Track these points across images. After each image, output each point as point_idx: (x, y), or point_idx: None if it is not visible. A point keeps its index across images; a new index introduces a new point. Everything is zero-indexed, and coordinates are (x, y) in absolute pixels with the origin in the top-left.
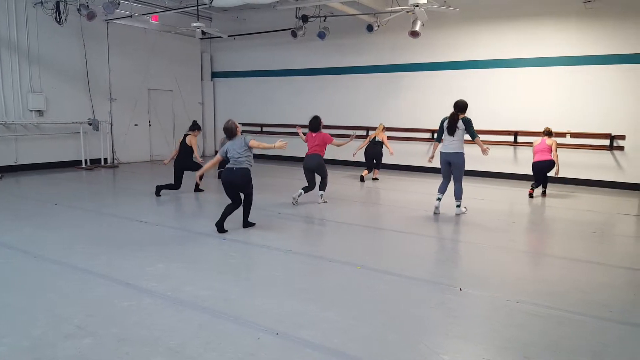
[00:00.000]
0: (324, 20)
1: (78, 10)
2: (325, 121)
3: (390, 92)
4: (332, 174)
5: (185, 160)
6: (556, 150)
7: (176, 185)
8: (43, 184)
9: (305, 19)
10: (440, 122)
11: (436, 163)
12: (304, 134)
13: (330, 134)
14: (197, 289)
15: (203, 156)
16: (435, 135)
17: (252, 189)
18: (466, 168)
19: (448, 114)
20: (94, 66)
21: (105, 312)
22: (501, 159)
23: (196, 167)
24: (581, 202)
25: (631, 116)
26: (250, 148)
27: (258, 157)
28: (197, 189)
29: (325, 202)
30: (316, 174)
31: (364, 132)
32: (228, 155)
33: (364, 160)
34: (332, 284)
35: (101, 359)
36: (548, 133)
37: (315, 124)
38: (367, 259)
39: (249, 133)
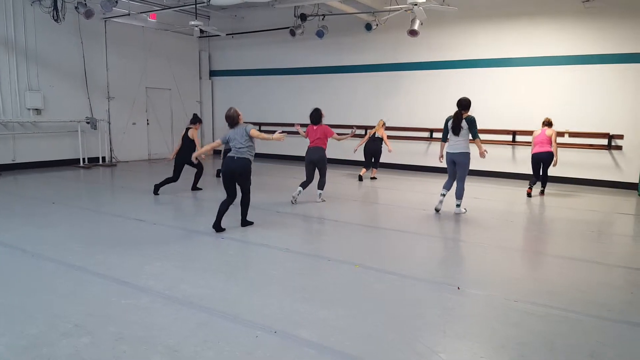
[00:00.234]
0: (323, 19)
1: (76, 8)
2: (323, 120)
3: (388, 91)
4: (330, 173)
5: (187, 154)
6: (555, 141)
7: (174, 177)
8: (41, 183)
9: (303, 17)
10: (444, 121)
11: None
12: (304, 127)
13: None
14: (194, 287)
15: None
16: (442, 135)
17: (250, 184)
18: None
19: (451, 113)
20: (92, 64)
21: (102, 310)
22: (499, 158)
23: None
24: (579, 202)
25: (629, 115)
26: (251, 138)
27: (257, 157)
28: (195, 187)
29: (323, 201)
30: (316, 169)
31: (362, 132)
32: (230, 144)
33: (363, 159)
34: (330, 282)
35: (99, 358)
36: (548, 123)
37: (316, 117)
38: (365, 257)
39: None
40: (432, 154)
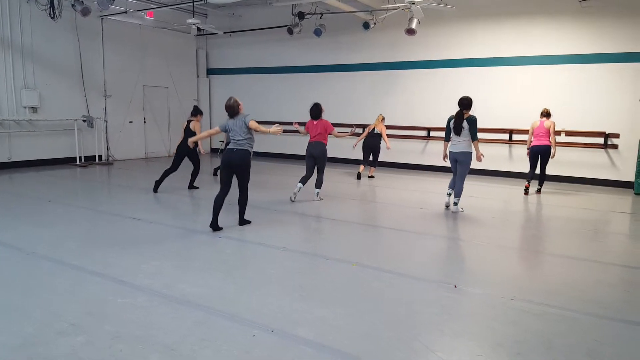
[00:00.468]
0: (320, 18)
1: (72, 6)
2: (323, 115)
3: (386, 90)
4: (328, 171)
5: (188, 145)
6: (554, 133)
7: (173, 167)
8: (37, 181)
9: (301, 15)
10: (447, 121)
11: (432, 160)
12: (302, 125)
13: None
14: (192, 286)
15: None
16: (444, 134)
17: (248, 179)
18: None
19: (452, 112)
20: (89, 62)
21: (99, 309)
22: (496, 156)
23: (197, 155)
24: (576, 200)
25: (626, 115)
26: (250, 129)
27: (255, 155)
28: (192, 186)
29: (321, 199)
30: (315, 165)
31: (361, 130)
32: (230, 136)
33: (361, 156)
34: (327, 281)
35: (95, 357)
36: (546, 114)
37: (316, 111)
38: (363, 256)
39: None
40: (430, 153)
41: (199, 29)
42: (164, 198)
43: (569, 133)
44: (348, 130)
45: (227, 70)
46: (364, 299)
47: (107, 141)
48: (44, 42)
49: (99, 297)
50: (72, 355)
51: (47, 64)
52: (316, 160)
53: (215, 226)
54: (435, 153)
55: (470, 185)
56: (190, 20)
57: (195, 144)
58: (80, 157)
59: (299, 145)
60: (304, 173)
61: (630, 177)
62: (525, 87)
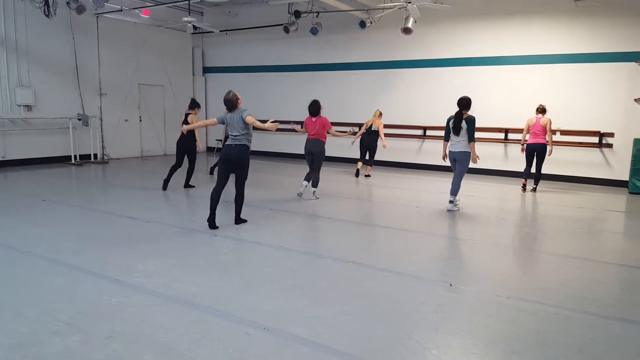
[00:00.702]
0: (317, 16)
1: (67, 3)
2: (322, 112)
3: (382, 89)
4: (325, 170)
5: (187, 139)
6: (550, 130)
7: (177, 163)
8: (32, 180)
9: (297, 14)
10: (446, 121)
11: (428, 159)
12: (300, 124)
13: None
14: (187, 285)
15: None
16: (444, 134)
17: (246, 176)
18: None
19: (451, 112)
20: (84, 60)
21: (94, 308)
22: (492, 156)
23: (195, 152)
24: (570, 199)
25: (620, 114)
26: (247, 125)
27: (253, 154)
28: (188, 185)
29: (317, 198)
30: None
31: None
32: (228, 130)
33: (357, 155)
34: (323, 280)
35: (90, 356)
36: (542, 110)
37: (315, 108)
38: (359, 255)
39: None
40: (425, 152)
41: (194, 27)
42: (159, 197)
43: (564, 132)
44: (347, 129)
45: (223, 68)
46: (359, 297)
47: (102, 140)
48: (38, 40)
49: (94, 297)
50: (66, 354)
51: (42, 62)
52: (313, 158)
53: (212, 223)
54: (430, 152)
55: (466, 184)
56: (186, 19)
57: (195, 139)
58: (75, 156)
59: (296, 144)
60: (301, 171)
61: (625, 176)
62: (520, 86)
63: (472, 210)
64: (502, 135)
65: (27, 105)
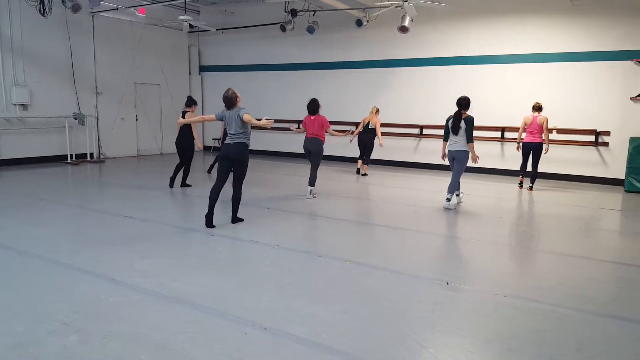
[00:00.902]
0: (313, 15)
1: (63, 2)
2: (321, 111)
3: (378, 88)
4: (323, 169)
5: (186, 137)
6: (547, 129)
7: (181, 162)
8: (27, 179)
9: (294, 13)
10: (446, 121)
11: (424, 158)
12: (298, 124)
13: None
14: (184, 284)
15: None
16: (443, 133)
17: (244, 175)
18: None
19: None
20: (80, 59)
21: (91, 308)
22: (488, 154)
23: (192, 151)
24: (567, 197)
25: (616, 112)
26: (244, 123)
27: (251, 153)
28: (184, 184)
29: (314, 197)
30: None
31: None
32: (226, 129)
33: (354, 154)
34: (320, 279)
35: (87, 356)
36: (538, 108)
37: (313, 107)
38: (356, 254)
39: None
40: (422, 151)
41: (191, 26)
42: (156, 196)
43: (560, 131)
44: (346, 129)
45: (220, 67)
46: (357, 296)
47: (98, 139)
48: (34, 39)
49: (91, 296)
50: (63, 354)
51: (37, 61)
52: (311, 156)
53: (209, 219)
54: (427, 151)
55: (463, 182)
56: (182, 17)
57: (193, 138)
58: (71, 155)
59: (293, 143)
60: (298, 170)
61: (621, 174)
62: (517, 85)
63: (469, 209)
64: (498, 134)
65: (22, 104)
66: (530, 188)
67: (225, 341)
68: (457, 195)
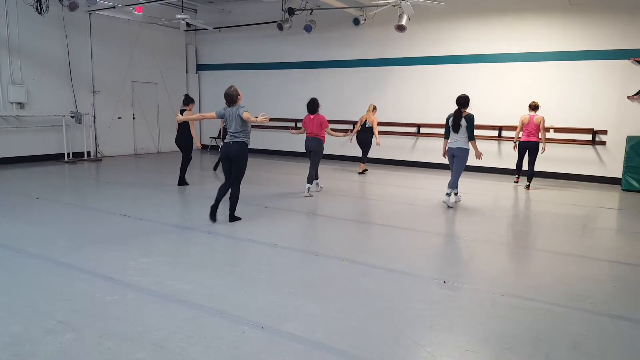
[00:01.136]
0: (311, 13)
1: (60, 0)
2: (320, 110)
3: (376, 86)
4: (321, 168)
5: (185, 136)
6: (544, 128)
7: (185, 159)
8: (24, 178)
9: (291, 11)
10: (446, 119)
11: (421, 157)
12: (298, 126)
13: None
14: (181, 283)
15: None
16: (444, 131)
17: (243, 173)
18: None
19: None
20: (77, 58)
21: (87, 307)
22: (485, 153)
23: (191, 150)
24: (563, 196)
25: (613, 111)
26: (244, 121)
27: (250, 152)
28: (181, 182)
29: (311, 195)
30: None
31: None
32: (227, 127)
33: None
34: (317, 277)
35: (83, 355)
36: (535, 108)
37: (313, 106)
38: (353, 252)
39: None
40: (419, 149)
41: (188, 25)
42: (152, 194)
43: (557, 129)
44: (344, 128)
45: (217, 66)
46: (353, 295)
47: (95, 137)
48: (31, 37)
49: (88, 295)
50: (60, 353)
51: (34, 60)
52: (311, 154)
53: (214, 211)
54: (424, 149)
55: (460, 181)
56: (179, 16)
57: (190, 137)
58: (68, 154)
59: (291, 141)
60: (296, 169)
61: (618, 173)
62: (514, 83)
63: (466, 208)
64: (495, 133)
65: (19, 103)
66: (528, 187)
67: (222, 340)
68: (456, 194)
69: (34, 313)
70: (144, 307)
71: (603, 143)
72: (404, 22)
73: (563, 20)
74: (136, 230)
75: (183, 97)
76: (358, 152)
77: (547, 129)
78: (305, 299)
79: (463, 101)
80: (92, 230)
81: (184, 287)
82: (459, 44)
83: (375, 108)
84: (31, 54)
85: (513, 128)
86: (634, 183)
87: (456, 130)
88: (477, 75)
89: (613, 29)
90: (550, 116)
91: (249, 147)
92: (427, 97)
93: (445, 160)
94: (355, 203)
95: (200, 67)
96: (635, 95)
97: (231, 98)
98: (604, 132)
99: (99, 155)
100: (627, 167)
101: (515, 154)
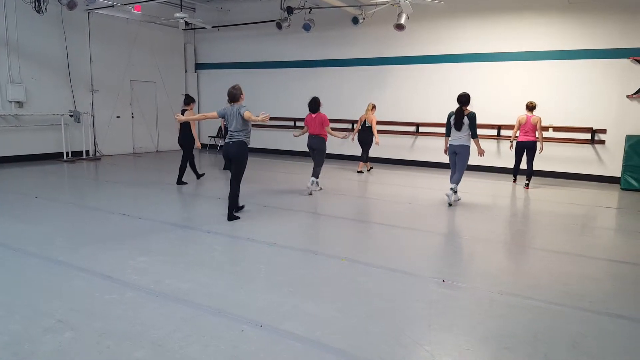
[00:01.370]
0: (309, 12)
1: None
2: (321, 109)
3: (375, 85)
4: (324, 167)
5: (187, 136)
6: (541, 129)
7: (189, 157)
8: (23, 177)
9: (290, 10)
10: (447, 117)
11: (420, 156)
12: (299, 127)
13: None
14: (180, 282)
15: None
16: (445, 130)
17: (243, 171)
18: None
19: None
20: (75, 57)
21: (86, 306)
22: (485, 152)
23: (191, 150)
24: (562, 195)
25: (613, 110)
26: (245, 121)
27: (251, 152)
28: (180, 181)
29: (310, 194)
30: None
31: (349, 126)
32: (227, 126)
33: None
34: (316, 277)
35: (82, 354)
36: (532, 108)
37: (314, 105)
38: (352, 251)
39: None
40: (418, 149)
41: (187, 23)
42: (151, 194)
43: (556, 128)
44: (343, 127)
45: (216, 65)
46: (352, 294)
47: (94, 136)
48: (29, 36)
49: (86, 294)
50: (58, 352)
51: (33, 58)
52: (315, 153)
53: (233, 211)
54: (424, 148)
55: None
56: (178, 15)
57: (192, 137)
58: (67, 153)
59: (291, 141)
60: (296, 168)
61: (617, 172)
62: (513, 82)
63: (465, 207)
64: (494, 132)
65: (18, 102)
66: (527, 186)
67: (221, 339)
68: (455, 192)
69: (33, 312)
70: (142, 306)
71: (602, 142)
72: (402, 21)
73: (562, 19)
74: (135, 229)
75: (183, 97)
76: (358, 151)
77: (545, 129)
78: (304, 298)
79: (464, 99)
80: (91, 229)
81: (182, 286)
82: (458, 43)
83: (374, 107)
84: (30, 52)
85: (512, 127)
86: (633, 182)
87: (458, 128)
88: (476, 74)
89: (612, 28)
90: (549, 115)
91: (249, 146)
92: (427, 96)
93: (446, 158)
94: (355, 202)
95: (199, 66)
96: (634, 94)
97: (233, 96)
98: (603, 131)
99: (97, 154)
100: (626, 166)
101: (513, 153)
